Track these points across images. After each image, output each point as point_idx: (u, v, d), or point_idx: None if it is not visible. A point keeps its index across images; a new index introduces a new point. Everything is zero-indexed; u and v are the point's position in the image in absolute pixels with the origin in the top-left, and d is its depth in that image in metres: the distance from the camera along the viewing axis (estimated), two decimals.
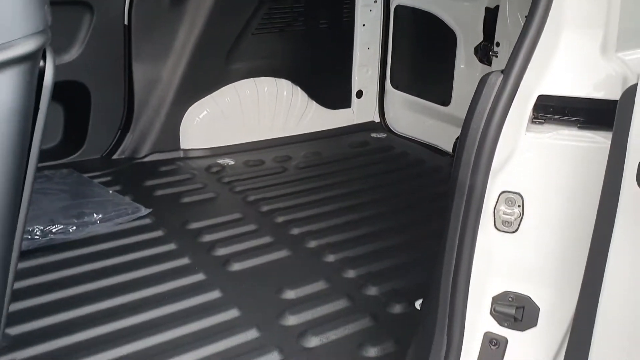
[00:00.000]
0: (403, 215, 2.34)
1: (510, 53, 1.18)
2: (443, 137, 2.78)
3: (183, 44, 2.57)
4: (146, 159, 2.57)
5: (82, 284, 1.75)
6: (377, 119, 3.23)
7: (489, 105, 1.13)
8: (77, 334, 1.60)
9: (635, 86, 0.96)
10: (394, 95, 3.15)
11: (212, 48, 2.62)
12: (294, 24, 3.00)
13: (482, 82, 1.16)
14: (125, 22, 2.50)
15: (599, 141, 1.08)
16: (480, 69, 2.68)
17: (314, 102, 3.11)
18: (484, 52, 2.60)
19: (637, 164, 0.95)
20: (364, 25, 3.08)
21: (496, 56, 2.54)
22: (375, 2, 3.08)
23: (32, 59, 0.95)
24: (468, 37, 2.71)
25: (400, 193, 2.56)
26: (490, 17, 2.56)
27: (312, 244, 2.13)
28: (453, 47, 2.78)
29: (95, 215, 2.06)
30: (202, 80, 2.64)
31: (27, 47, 0.93)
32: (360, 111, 3.22)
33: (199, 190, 2.37)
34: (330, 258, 2.05)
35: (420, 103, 2.98)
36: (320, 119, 3.14)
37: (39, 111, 1.02)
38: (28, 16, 0.93)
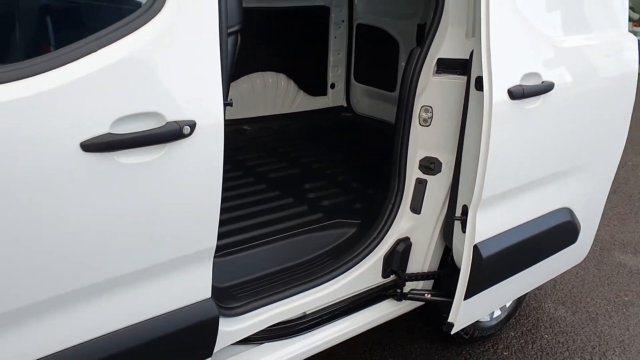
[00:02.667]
0: (364, 160, 3.03)
1: None
2: (392, 113, 3.71)
3: None
4: None
5: None
6: (345, 104, 3.92)
7: (414, 63, 2.20)
8: None
9: (472, 52, 2.02)
10: (356, 86, 3.80)
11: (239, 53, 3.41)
12: (290, 36, 3.59)
13: (411, 52, 2.22)
14: None
15: (463, 79, 2.03)
16: None
17: (302, 91, 3.77)
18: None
19: (474, 80, 1.94)
20: (335, 37, 3.76)
21: None
22: (343, 21, 3.75)
23: None
24: (406, 44, 3.42)
25: (362, 150, 3.24)
26: (421, 30, 3.32)
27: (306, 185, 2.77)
28: (397, 51, 3.47)
29: None
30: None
31: None
32: (334, 98, 3.89)
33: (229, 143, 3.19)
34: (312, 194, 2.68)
35: (375, 91, 3.66)
36: (306, 102, 3.79)
37: None
38: None
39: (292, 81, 3.75)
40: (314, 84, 3.83)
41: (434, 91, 2.16)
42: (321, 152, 3.21)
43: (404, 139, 2.20)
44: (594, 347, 2.76)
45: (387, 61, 3.56)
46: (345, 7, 3.76)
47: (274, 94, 3.70)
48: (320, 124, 3.76)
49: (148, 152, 1.38)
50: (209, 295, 1.62)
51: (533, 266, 2.30)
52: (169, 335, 1.55)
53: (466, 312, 2.09)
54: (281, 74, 3.70)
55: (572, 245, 2.47)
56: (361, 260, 2.17)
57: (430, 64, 2.15)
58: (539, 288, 3.16)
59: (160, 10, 1.37)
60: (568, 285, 3.26)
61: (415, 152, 2.21)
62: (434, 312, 2.49)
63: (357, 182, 2.83)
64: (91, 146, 1.29)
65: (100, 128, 1.30)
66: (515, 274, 2.24)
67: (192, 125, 1.41)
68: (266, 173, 2.89)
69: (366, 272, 2.19)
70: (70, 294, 1.38)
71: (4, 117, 1.19)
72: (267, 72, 3.64)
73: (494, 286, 2.16)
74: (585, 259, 2.72)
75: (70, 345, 1.42)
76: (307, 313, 2.06)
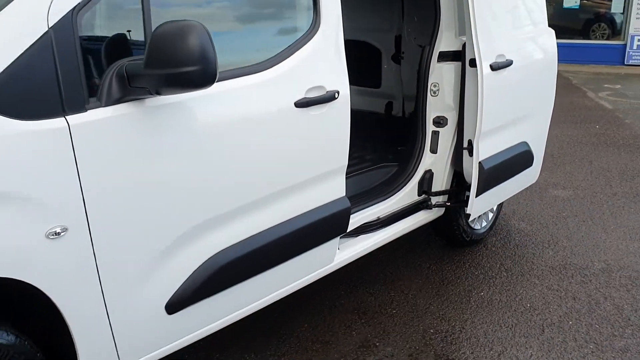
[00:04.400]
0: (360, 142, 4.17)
1: (412, 55, 3.45)
2: (378, 105, 4.90)
3: None
4: None
5: None
6: None
7: (427, 56, 3.44)
8: None
9: (464, 44, 3.32)
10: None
11: None
12: None
13: (423, 50, 3.46)
14: None
15: (455, 63, 3.42)
16: (394, 67, 4.87)
17: None
18: (396, 58, 4.94)
19: (468, 61, 3.25)
20: None
21: (403, 59, 4.36)
22: None
23: None
24: (387, 51, 4.27)
25: (357, 132, 4.14)
26: (397, 40, 4.25)
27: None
28: (379, 57, 4.34)
29: None
30: None
31: None
32: None
33: None
34: None
35: (364, 89, 4.46)
36: None
37: None
38: None
39: None
40: None
41: (438, 72, 3.41)
42: None
43: (423, 105, 3.44)
44: (549, 241, 4.08)
45: (372, 65, 4.64)
46: None
47: None
48: None
49: (321, 108, 2.53)
50: (344, 194, 2.77)
51: (510, 179, 3.60)
52: (328, 217, 2.69)
53: (477, 205, 3.35)
54: None
55: (530, 167, 3.79)
56: (405, 185, 3.38)
57: (434, 56, 3.40)
58: (505, 211, 4.48)
59: (315, 34, 2.53)
60: (524, 210, 4.60)
61: (430, 113, 3.46)
62: (446, 225, 3.72)
63: (383, 145, 4.01)
64: (298, 104, 2.43)
65: (301, 94, 2.45)
66: (501, 182, 3.52)
67: (338, 93, 2.58)
68: None
69: (408, 193, 3.40)
70: (272, 194, 2.43)
71: (261, 89, 2.30)
72: None
73: (490, 190, 3.42)
74: (531, 193, 4.03)
75: (265, 228, 2.44)
76: (380, 217, 3.24)
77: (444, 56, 3.40)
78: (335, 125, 2.59)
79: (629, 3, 12.47)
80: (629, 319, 3.11)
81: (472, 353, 2.83)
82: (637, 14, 12.38)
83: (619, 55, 12.61)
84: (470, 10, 3.04)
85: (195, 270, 2.21)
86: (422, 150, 3.46)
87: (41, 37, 1.76)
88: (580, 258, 3.81)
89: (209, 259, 2.25)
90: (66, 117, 1.79)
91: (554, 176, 5.38)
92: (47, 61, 1.76)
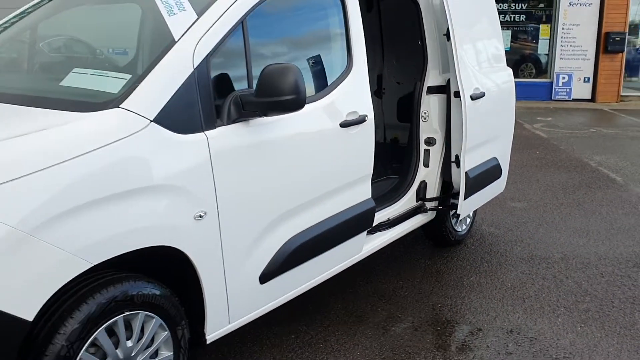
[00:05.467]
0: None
1: (391, 91, 4.38)
2: None
3: None
4: None
5: None
6: None
7: (418, 90, 4.29)
8: None
9: (449, 80, 4.22)
10: None
11: None
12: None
13: (415, 85, 4.35)
14: None
15: (440, 96, 4.22)
16: (376, 100, 5.65)
17: None
18: (378, 93, 5.63)
19: (453, 93, 4.16)
20: None
21: (384, 94, 5.34)
22: None
23: None
24: (371, 87, 5.64)
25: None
26: (379, 78, 5.27)
27: None
28: None
29: None
30: None
31: None
32: None
33: None
34: None
35: None
36: None
37: None
38: None
39: None
40: None
41: (427, 103, 4.27)
42: None
43: (417, 129, 4.28)
44: (515, 240, 4.96)
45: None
46: None
47: None
48: None
49: (356, 128, 3.31)
50: (370, 196, 3.54)
51: (487, 186, 4.47)
52: (360, 213, 3.44)
53: (465, 206, 4.18)
54: None
55: (499, 178, 4.68)
56: (406, 192, 4.19)
57: (424, 90, 4.28)
58: (477, 220, 5.34)
59: (350, 72, 3.34)
60: (490, 218, 5.49)
61: (422, 135, 4.30)
62: (436, 228, 4.54)
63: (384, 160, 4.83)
64: (342, 124, 3.21)
65: (343, 117, 3.23)
66: (481, 189, 4.38)
67: (367, 116, 3.38)
68: None
69: (409, 199, 4.21)
70: (325, 193, 3.20)
71: (320, 112, 3.06)
72: None
73: (473, 195, 4.28)
74: (493, 206, 4.93)
75: (319, 221, 3.20)
76: (390, 218, 4.03)
77: (431, 90, 4.26)
78: (365, 141, 3.38)
79: (553, 45, 14.01)
80: (587, 290, 3.99)
81: (474, 317, 3.61)
82: (561, 55, 13.91)
83: (546, 92, 14.08)
84: (454, 55, 3.92)
85: (277, 251, 2.92)
86: (418, 164, 4.28)
87: (189, 76, 2.49)
88: (542, 251, 4.69)
89: (285, 242, 2.96)
90: (205, 132, 2.51)
91: (509, 192, 6.33)
92: (192, 93, 2.49)
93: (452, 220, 4.62)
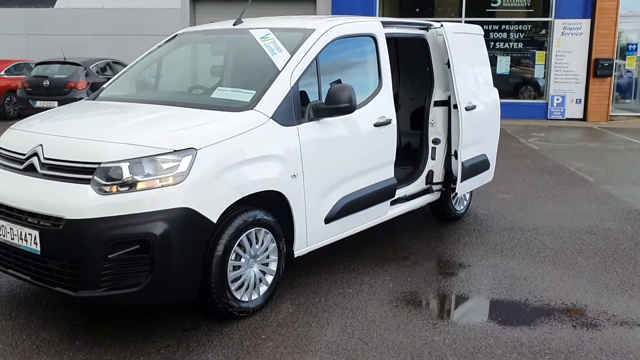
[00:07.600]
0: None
1: (405, 106, 6.08)
2: None
3: None
4: None
5: None
6: None
7: (427, 104, 5.94)
8: None
9: (450, 96, 5.86)
10: None
11: None
12: None
13: (425, 100, 6.01)
14: None
15: (443, 107, 5.91)
16: None
17: None
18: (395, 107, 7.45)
19: (453, 105, 5.80)
20: None
21: (400, 108, 7.25)
22: None
23: None
24: None
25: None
26: (396, 96, 7.27)
27: None
28: None
29: None
30: None
31: None
32: None
33: None
34: None
35: None
36: None
37: None
38: None
39: None
40: None
41: (433, 113, 5.92)
42: None
43: (426, 132, 5.92)
44: (500, 217, 6.56)
45: None
46: None
47: None
48: None
49: (384, 127, 4.96)
50: (392, 176, 5.17)
51: (478, 175, 6.10)
52: (387, 187, 5.06)
53: (462, 187, 5.80)
54: None
55: (487, 170, 6.32)
56: (418, 177, 5.81)
57: (432, 103, 5.93)
58: (472, 205, 6.96)
59: (381, 89, 5.01)
60: (484, 204, 7.10)
61: (430, 137, 5.94)
62: (440, 206, 6.17)
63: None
64: (376, 125, 4.87)
65: (376, 120, 4.89)
66: (473, 176, 6.00)
67: (391, 120, 5.04)
68: None
69: (420, 182, 5.83)
70: (365, 170, 4.84)
71: (361, 116, 4.72)
72: None
73: (468, 179, 5.90)
74: (486, 196, 6.55)
75: (361, 187, 4.84)
76: (406, 195, 5.66)
77: (437, 103, 5.91)
78: (390, 137, 5.03)
79: (548, 70, 15.69)
80: (548, 246, 5.59)
81: (466, 259, 5.23)
82: (555, 78, 15.59)
83: (542, 112, 15.73)
84: (453, 78, 5.58)
85: (335, 203, 4.56)
86: (427, 158, 5.92)
87: (288, 92, 4.16)
88: (520, 224, 6.31)
89: (340, 199, 4.60)
90: (296, 126, 4.17)
91: (500, 188, 7.94)
92: (290, 102, 4.16)
93: (452, 201, 6.23)
